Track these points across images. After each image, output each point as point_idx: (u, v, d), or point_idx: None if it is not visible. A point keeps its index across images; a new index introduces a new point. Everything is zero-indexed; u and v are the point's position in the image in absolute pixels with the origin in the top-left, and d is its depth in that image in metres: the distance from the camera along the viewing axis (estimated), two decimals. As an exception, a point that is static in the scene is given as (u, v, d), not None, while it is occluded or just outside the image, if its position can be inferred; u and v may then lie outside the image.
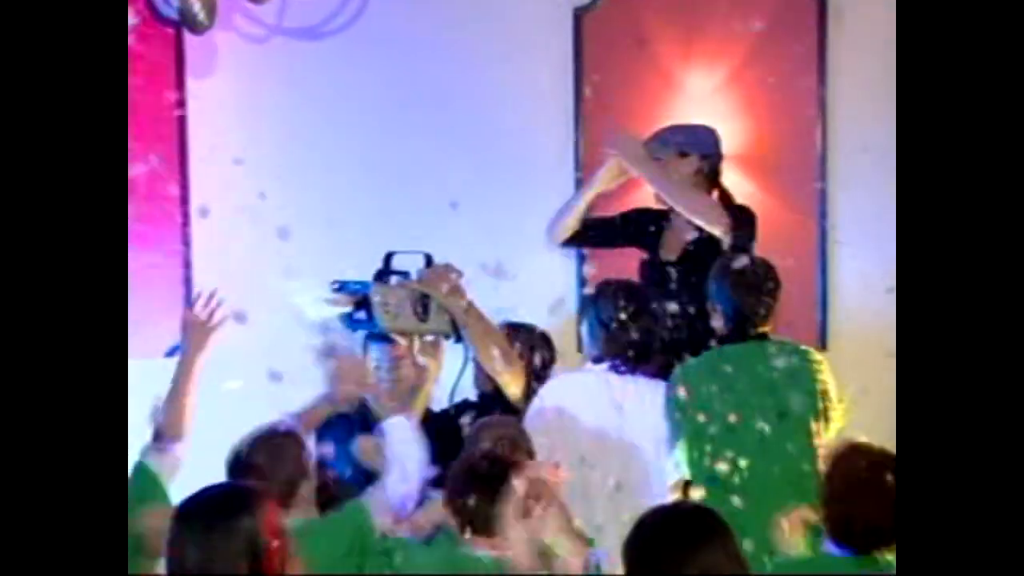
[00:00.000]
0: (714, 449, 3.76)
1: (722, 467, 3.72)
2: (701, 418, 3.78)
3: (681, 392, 3.80)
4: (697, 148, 4.54)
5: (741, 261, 3.96)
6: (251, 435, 3.51)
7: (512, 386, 4.01)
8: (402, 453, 3.55)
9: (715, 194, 4.52)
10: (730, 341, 3.88)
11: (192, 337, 3.81)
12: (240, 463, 3.47)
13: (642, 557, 2.75)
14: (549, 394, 3.91)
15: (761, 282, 3.89)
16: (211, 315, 3.83)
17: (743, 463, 3.73)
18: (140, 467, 3.66)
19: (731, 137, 5.17)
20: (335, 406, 3.92)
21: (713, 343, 3.95)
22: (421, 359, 4.16)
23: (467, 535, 3.21)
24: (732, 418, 3.75)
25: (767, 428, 3.76)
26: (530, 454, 3.55)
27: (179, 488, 3.51)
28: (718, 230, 4.28)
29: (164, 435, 3.67)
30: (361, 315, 3.98)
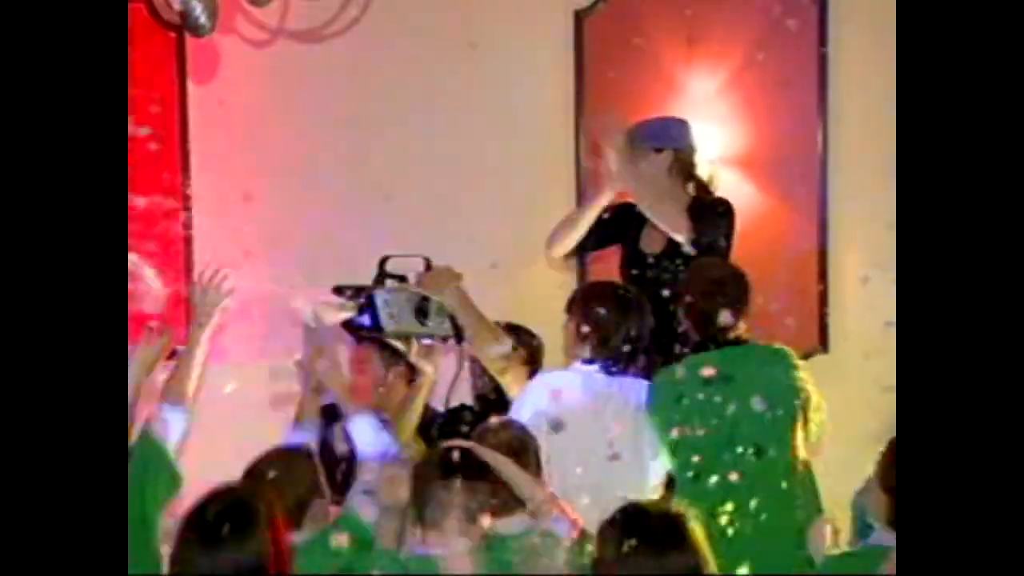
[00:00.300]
0: (703, 490, 3.77)
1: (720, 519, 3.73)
2: (696, 459, 3.79)
3: (675, 433, 3.79)
4: (671, 142, 4.49)
5: (711, 269, 3.98)
6: (265, 453, 3.50)
7: (514, 387, 4.01)
8: (364, 454, 3.58)
9: (691, 186, 4.49)
10: (704, 348, 3.89)
11: (200, 311, 3.92)
12: (254, 481, 3.46)
13: (612, 552, 2.79)
14: (535, 391, 3.90)
15: (730, 289, 3.88)
16: (216, 289, 3.93)
17: (730, 507, 3.74)
18: (144, 434, 3.71)
19: (732, 139, 5.19)
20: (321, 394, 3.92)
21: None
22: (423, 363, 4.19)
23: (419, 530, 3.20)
24: (734, 476, 3.75)
25: (751, 470, 3.77)
26: (536, 456, 3.54)
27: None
28: (677, 235, 4.27)
29: (169, 399, 3.76)
30: (364, 319, 3.99)
